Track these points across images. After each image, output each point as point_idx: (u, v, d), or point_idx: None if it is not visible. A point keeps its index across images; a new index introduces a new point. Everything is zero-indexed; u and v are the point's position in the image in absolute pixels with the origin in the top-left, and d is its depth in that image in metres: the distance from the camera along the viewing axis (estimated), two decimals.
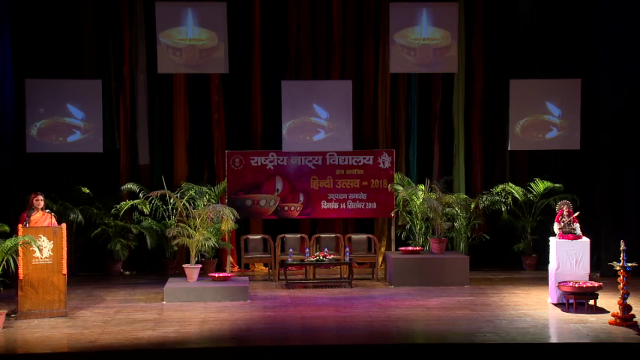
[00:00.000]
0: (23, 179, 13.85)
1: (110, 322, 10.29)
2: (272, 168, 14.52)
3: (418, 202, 13.97)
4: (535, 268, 14.48)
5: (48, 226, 10.80)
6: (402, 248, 13.69)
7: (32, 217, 10.98)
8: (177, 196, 13.55)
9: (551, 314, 10.69)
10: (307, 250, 13.46)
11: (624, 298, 9.95)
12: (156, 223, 14.24)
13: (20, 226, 10.52)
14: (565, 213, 11.45)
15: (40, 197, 11.15)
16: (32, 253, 10.42)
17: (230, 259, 14.40)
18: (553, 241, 11.42)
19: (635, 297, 11.19)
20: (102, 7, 14.72)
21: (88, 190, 14.21)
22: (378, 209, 14.62)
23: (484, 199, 14.54)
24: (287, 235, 14.08)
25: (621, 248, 10.10)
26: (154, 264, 14.61)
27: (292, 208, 14.54)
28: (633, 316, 9.96)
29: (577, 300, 10.72)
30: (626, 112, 13.84)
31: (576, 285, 10.77)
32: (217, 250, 14.28)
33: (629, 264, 10.04)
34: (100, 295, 12.28)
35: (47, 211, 11.15)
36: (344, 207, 14.59)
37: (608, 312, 10.42)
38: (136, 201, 14.14)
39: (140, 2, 14.70)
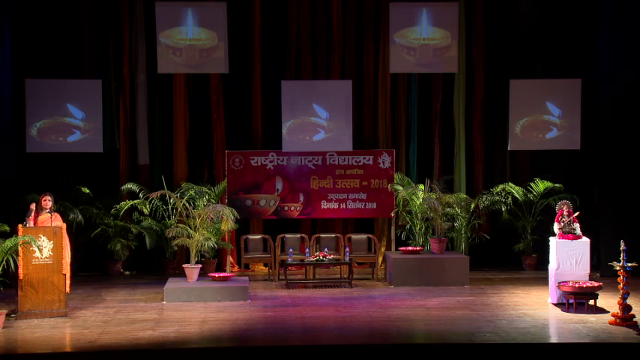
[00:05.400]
0: (23, 179, 13.86)
1: (110, 322, 10.29)
2: (272, 168, 14.52)
3: (418, 202, 13.97)
4: (535, 268, 14.48)
5: (48, 226, 10.79)
6: (402, 248, 13.69)
7: (39, 218, 10.99)
8: (177, 196, 13.55)
9: (551, 314, 10.69)
10: (307, 250, 13.46)
11: (624, 298, 9.95)
12: (156, 223, 14.24)
13: (20, 226, 10.51)
14: (565, 213, 11.45)
15: (48, 198, 11.15)
16: (32, 253, 10.42)
17: (230, 259, 14.40)
18: (553, 241, 11.42)
19: (635, 297, 11.20)
20: (102, 7, 14.72)
21: (88, 190, 14.22)
22: (378, 209, 14.63)
23: (484, 199, 14.54)
24: (287, 235, 14.08)
25: (621, 248, 10.10)
26: (154, 264, 14.61)
27: (292, 208, 14.55)
28: (633, 316, 9.97)
29: (577, 300, 10.72)
30: (626, 112, 13.84)
31: (576, 285, 10.77)
32: (217, 250, 14.28)
33: (629, 264, 10.03)
34: (100, 295, 12.28)
35: (51, 212, 11.12)
36: (344, 207, 14.59)
37: (608, 312, 10.42)
38: (135, 201, 14.15)
39: (140, 2, 14.70)
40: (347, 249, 13.46)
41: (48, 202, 11.13)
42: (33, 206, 10.98)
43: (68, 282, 10.89)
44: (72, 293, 11.49)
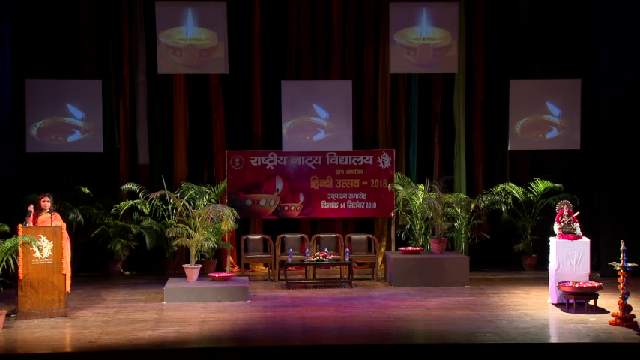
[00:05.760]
0: (23, 179, 13.86)
1: (110, 322, 10.29)
2: (272, 168, 14.52)
3: (418, 202, 13.97)
4: (535, 268, 14.48)
5: (48, 226, 10.78)
6: (402, 248, 13.69)
7: (39, 219, 10.99)
8: (177, 196, 13.56)
9: (551, 314, 10.69)
10: (307, 250, 13.46)
11: (624, 298, 9.95)
12: (156, 223, 14.24)
13: (20, 226, 10.51)
14: (565, 213, 11.45)
15: (47, 199, 11.14)
16: (32, 253, 10.42)
17: (230, 259, 14.40)
18: (553, 241, 11.42)
19: (635, 297, 11.20)
20: (102, 7, 14.73)
21: (88, 190, 14.22)
22: (378, 209, 14.63)
23: (484, 199, 14.54)
24: (287, 235, 14.08)
25: (621, 248, 10.10)
26: (154, 264, 14.61)
27: (292, 208, 14.54)
28: (633, 316, 9.97)
29: (577, 300, 10.72)
30: (626, 112, 13.84)
31: (576, 285, 10.77)
32: (217, 250, 14.28)
33: (629, 264, 10.03)
34: (100, 295, 12.28)
35: (51, 212, 11.10)
36: (344, 207, 14.59)
37: (608, 312, 10.42)
38: (135, 201, 14.15)
39: (140, 2, 14.70)
40: (347, 249, 13.45)
41: (47, 202, 11.13)
42: (31, 208, 10.99)
43: (69, 281, 10.89)
44: (72, 293, 11.48)
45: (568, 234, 11.32)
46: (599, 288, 10.77)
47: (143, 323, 10.18)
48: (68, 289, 10.91)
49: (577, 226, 11.38)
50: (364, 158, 14.61)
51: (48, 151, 14.28)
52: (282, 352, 9.04)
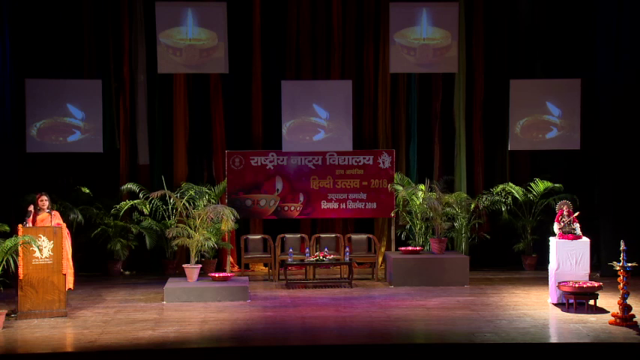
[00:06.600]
0: (23, 179, 13.87)
1: (110, 322, 10.29)
2: (272, 168, 14.52)
3: (418, 202, 13.98)
4: (535, 268, 14.48)
5: (48, 226, 10.79)
6: (402, 248, 13.69)
7: (38, 218, 10.99)
8: (177, 196, 13.56)
9: (551, 314, 10.69)
10: (307, 250, 13.46)
11: (624, 298, 9.95)
12: (156, 223, 14.25)
13: (20, 226, 10.51)
14: (565, 213, 11.45)
15: (44, 198, 11.15)
16: (32, 253, 10.42)
17: (230, 259, 14.41)
18: (553, 241, 11.42)
19: (635, 297, 11.20)
20: (102, 7, 14.73)
21: (88, 190, 14.22)
22: (378, 209, 14.63)
23: (484, 199, 14.54)
24: (287, 235, 14.08)
25: (621, 248, 10.10)
26: (154, 264, 14.61)
27: (292, 208, 14.55)
28: (633, 316, 9.97)
29: (577, 300, 10.72)
30: (626, 112, 13.85)
31: (576, 285, 10.77)
32: (217, 250, 14.29)
33: (629, 264, 10.03)
34: (100, 295, 12.29)
35: (48, 211, 11.11)
36: (344, 207, 14.59)
37: (608, 312, 10.42)
38: (135, 201, 14.16)
39: (140, 2, 14.71)
40: (347, 249, 13.45)
41: (45, 201, 11.13)
42: (31, 208, 11.00)
43: (71, 278, 10.91)
44: (72, 293, 11.47)
45: (568, 234, 11.32)
46: (599, 288, 10.77)
47: (143, 323, 10.18)
48: (71, 286, 10.93)
49: (577, 226, 11.38)
50: (364, 158, 14.61)
51: (48, 151, 14.29)
52: (282, 352, 9.04)
